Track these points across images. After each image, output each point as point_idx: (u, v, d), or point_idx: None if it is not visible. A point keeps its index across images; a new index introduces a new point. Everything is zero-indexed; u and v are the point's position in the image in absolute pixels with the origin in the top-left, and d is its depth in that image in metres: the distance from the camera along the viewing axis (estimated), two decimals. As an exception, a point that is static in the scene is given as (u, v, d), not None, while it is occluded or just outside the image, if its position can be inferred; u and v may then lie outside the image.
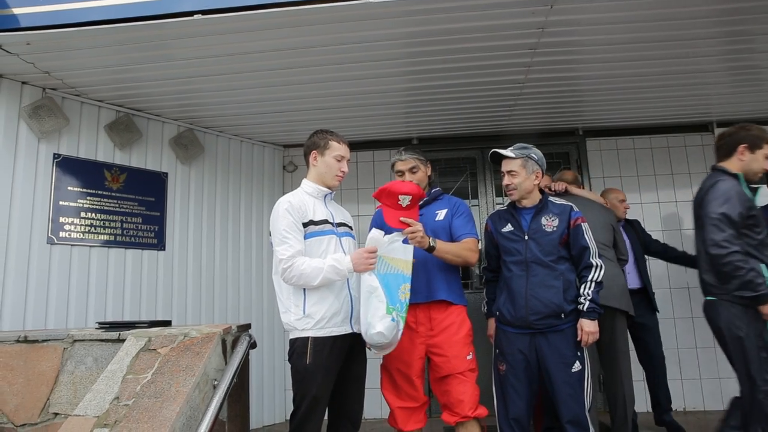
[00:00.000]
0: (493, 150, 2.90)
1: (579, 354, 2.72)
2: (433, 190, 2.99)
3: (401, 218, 2.64)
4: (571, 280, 2.77)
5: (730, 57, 3.64)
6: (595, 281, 2.72)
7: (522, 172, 2.82)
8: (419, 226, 2.62)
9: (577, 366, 2.69)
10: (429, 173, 3.00)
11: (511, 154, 2.84)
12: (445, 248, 2.70)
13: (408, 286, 2.55)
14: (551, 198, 2.91)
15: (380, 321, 2.43)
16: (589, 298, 2.69)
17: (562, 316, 2.69)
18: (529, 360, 2.74)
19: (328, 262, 2.44)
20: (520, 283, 2.77)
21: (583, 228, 2.78)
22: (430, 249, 2.65)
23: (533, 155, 2.84)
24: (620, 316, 3.43)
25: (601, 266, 2.75)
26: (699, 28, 3.18)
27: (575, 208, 2.84)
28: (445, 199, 2.98)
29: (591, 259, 2.74)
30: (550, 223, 2.79)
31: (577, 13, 2.99)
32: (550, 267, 2.74)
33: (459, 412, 2.65)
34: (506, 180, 2.86)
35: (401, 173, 2.94)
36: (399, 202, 2.67)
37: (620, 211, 4.02)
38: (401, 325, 2.50)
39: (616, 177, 4.90)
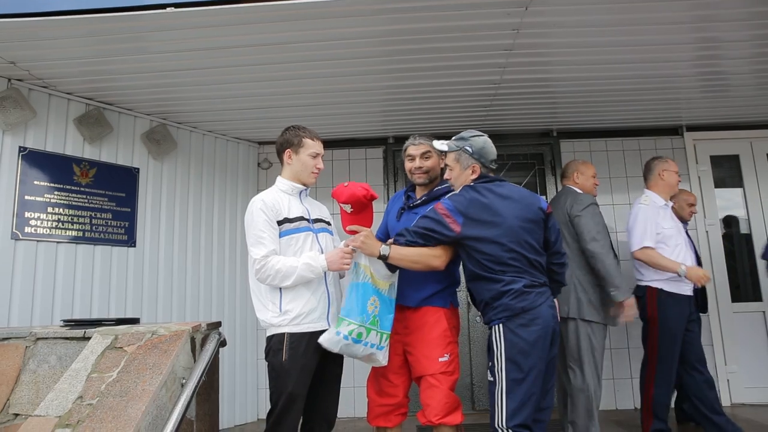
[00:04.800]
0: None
1: (490, 364, 2.38)
2: (436, 188, 2.77)
3: (348, 227, 2.53)
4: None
5: (700, 63, 3.71)
6: None
7: (456, 167, 2.53)
8: (360, 236, 2.46)
9: (489, 377, 2.40)
10: (443, 164, 2.74)
11: (444, 147, 2.56)
12: (399, 255, 2.43)
13: (375, 299, 2.47)
14: None
15: (327, 332, 2.43)
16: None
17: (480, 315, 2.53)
18: None
19: (302, 260, 2.43)
20: None
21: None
22: (383, 258, 2.43)
23: (468, 147, 2.50)
24: (574, 323, 3.36)
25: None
26: (671, 33, 3.24)
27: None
28: None
29: None
30: None
31: (551, 16, 3.01)
32: None
33: (426, 415, 2.60)
34: (446, 175, 2.63)
35: (412, 158, 2.77)
36: (344, 210, 2.59)
37: (686, 214, 4.05)
38: (368, 339, 2.42)
39: (589, 178, 4.95)
